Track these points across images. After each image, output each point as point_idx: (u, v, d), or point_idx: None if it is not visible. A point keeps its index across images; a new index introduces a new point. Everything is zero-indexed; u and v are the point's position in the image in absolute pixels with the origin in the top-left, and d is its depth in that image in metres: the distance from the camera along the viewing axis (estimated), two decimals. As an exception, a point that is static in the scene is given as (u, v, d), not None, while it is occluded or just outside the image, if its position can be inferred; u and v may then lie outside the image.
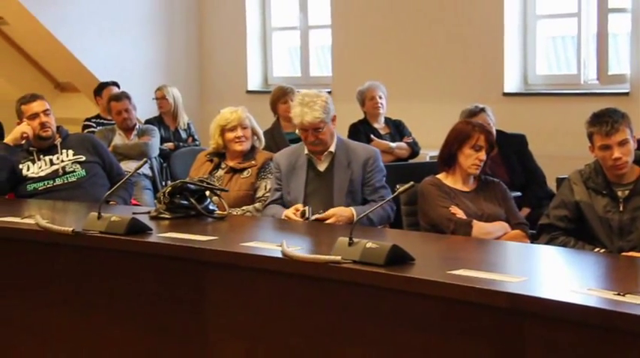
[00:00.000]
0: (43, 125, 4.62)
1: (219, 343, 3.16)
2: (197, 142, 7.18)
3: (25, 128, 4.59)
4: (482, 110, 5.07)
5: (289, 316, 2.99)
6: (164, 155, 6.63)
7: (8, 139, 4.62)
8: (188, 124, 7.20)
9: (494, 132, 4.69)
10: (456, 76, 6.96)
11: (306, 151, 4.17)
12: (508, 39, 6.69)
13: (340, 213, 3.93)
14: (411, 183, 3.12)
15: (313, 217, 3.93)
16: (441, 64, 7.07)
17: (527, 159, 5.28)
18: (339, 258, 2.84)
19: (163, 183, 6.57)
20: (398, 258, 2.79)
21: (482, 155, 3.86)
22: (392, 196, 3.05)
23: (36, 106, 4.65)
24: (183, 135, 7.13)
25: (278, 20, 8.44)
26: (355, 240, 2.87)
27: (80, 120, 7.18)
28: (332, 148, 4.14)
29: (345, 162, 4.12)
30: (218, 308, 3.15)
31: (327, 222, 3.89)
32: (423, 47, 7.19)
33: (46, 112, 4.65)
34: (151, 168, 6.39)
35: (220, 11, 8.55)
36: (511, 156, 5.19)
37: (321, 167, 4.16)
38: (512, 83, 6.75)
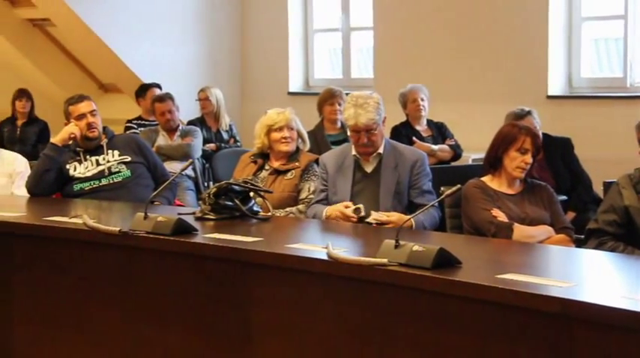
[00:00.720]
0: (89, 125, 4.67)
1: (264, 343, 3.16)
2: (239, 143, 7.22)
3: (73, 129, 4.65)
4: (529, 113, 5.04)
5: (334, 318, 2.99)
6: (206, 156, 6.68)
7: (56, 140, 4.67)
8: (230, 125, 7.25)
9: (541, 135, 4.66)
10: (499, 79, 6.92)
11: (353, 152, 4.16)
12: (552, 41, 6.63)
13: (401, 219, 3.82)
14: (458, 186, 3.11)
15: (372, 219, 3.89)
16: (484, 66, 7.03)
17: (573, 163, 5.24)
18: (385, 260, 2.83)
19: (205, 184, 6.63)
20: (445, 261, 2.77)
21: (528, 158, 3.84)
22: (439, 199, 3.04)
23: (83, 107, 4.70)
24: (225, 136, 7.18)
25: (320, 22, 8.46)
26: (401, 242, 2.86)
27: (123, 121, 7.26)
28: (380, 149, 4.13)
29: (392, 164, 4.11)
30: (263, 309, 3.16)
31: (386, 226, 3.85)
32: (465, 49, 7.15)
33: (92, 113, 4.71)
34: (194, 169, 6.44)
35: (263, 13, 8.59)
36: (557, 159, 5.14)
37: (369, 168, 4.15)
38: (556, 86, 6.69)
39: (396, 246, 2.86)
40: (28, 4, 8.33)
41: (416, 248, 2.82)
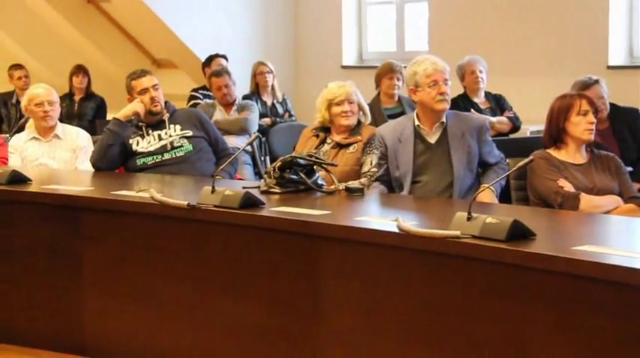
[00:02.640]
0: (152, 100, 4.71)
1: (333, 316, 3.17)
2: (294, 117, 7.23)
3: (138, 107, 4.69)
4: (597, 82, 4.96)
5: (405, 291, 2.98)
6: (262, 130, 6.69)
7: (120, 115, 4.71)
8: (284, 99, 7.26)
9: (608, 105, 4.59)
10: (557, 49, 6.81)
11: (416, 122, 4.09)
12: (613, 10, 6.51)
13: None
14: (531, 157, 3.07)
15: None
16: (542, 37, 6.92)
17: (640, 134, 5.16)
18: (458, 232, 2.81)
19: (262, 159, 6.65)
20: (519, 233, 2.74)
21: (591, 117, 3.82)
22: (513, 169, 3.00)
23: (146, 81, 4.74)
24: (280, 109, 7.20)
25: (373, -6, 8.40)
26: (474, 215, 2.84)
27: (178, 96, 7.30)
28: (443, 118, 4.07)
29: (459, 133, 4.04)
30: (332, 281, 3.17)
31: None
32: (522, 20, 7.05)
33: (155, 87, 4.74)
34: (251, 143, 6.44)
35: (315, -14, 8.55)
36: (623, 130, 5.06)
37: (432, 139, 4.07)
38: (616, 56, 6.56)
39: (469, 219, 2.83)
40: (84, -20, 8.41)
41: (489, 220, 2.79)
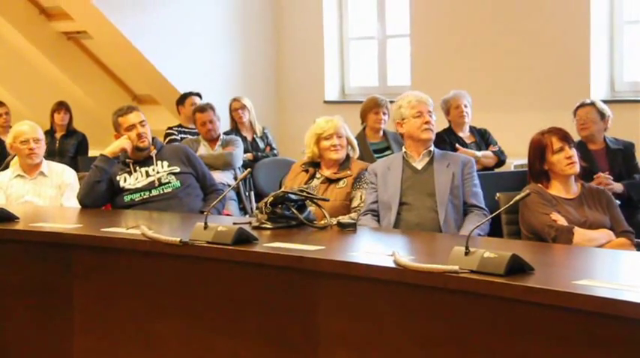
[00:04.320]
0: (140, 136, 4.69)
1: (330, 352, 3.14)
2: (275, 151, 7.21)
3: (125, 143, 4.66)
4: (592, 104, 5.20)
5: (403, 326, 2.97)
6: (244, 166, 6.67)
7: (107, 151, 4.69)
8: (264, 133, 7.24)
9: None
10: (539, 84, 6.88)
11: (404, 150, 4.32)
12: (594, 45, 6.59)
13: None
14: (527, 191, 3.09)
15: None
16: (524, 71, 6.99)
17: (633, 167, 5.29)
18: (456, 267, 2.80)
19: (247, 194, 6.62)
20: (517, 267, 2.74)
21: (568, 152, 3.87)
22: (510, 204, 3.01)
23: (132, 118, 4.72)
24: (261, 144, 7.18)
25: (355, 30, 8.45)
26: (471, 249, 2.84)
27: (158, 132, 7.27)
28: (432, 147, 4.27)
29: (444, 163, 4.23)
30: (329, 318, 3.14)
31: None
32: (504, 55, 7.12)
33: (142, 123, 4.73)
34: (235, 178, 6.43)
35: (297, 21, 8.60)
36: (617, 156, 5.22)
37: (419, 165, 4.27)
38: (599, 90, 6.64)
39: (466, 253, 2.83)
40: (66, 17, 8.38)
41: (487, 254, 2.79)
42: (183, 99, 7.45)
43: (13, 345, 3.96)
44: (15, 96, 9.08)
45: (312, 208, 3.98)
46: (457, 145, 5.98)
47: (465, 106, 6.12)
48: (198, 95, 7.44)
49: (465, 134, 6.15)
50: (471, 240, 2.90)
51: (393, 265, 2.96)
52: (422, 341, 2.91)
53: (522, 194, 3.04)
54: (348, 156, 4.57)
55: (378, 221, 4.21)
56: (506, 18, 7.10)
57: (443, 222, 4.10)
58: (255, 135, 7.17)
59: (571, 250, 3.46)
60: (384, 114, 6.06)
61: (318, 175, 4.55)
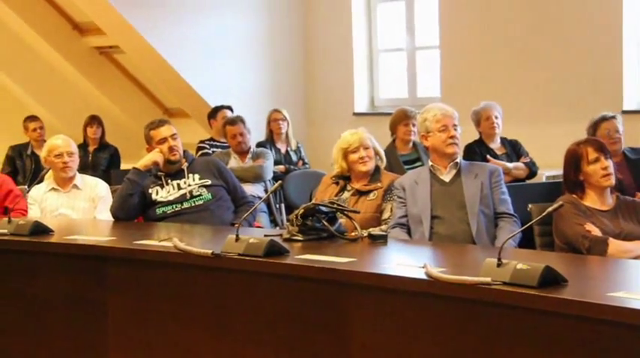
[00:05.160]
0: (171, 149, 4.73)
1: (361, 365, 3.14)
2: (307, 165, 7.25)
3: (158, 157, 4.71)
4: (613, 117, 5.11)
5: (435, 339, 2.96)
6: (276, 178, 6.70)
7: (139, 164, 4.73)
8: (298, 147, 7.30)
9: (622, 140, 4.74)
10: (572, 94, 6.84)
11: (430, 163, 4.30)
12: (626, 56, 6.53)
13: None
14: (561, 202, 3.07)
15: None
16: (556, 82, 6.96)
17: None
18: (488, 279, 2.79)
19: (277, 206, 6.65)
20: (551, 279, 2.72)
21: (604, 163, 3.83)
22: (543, 215, 2.98)
23: (164, 131, 4.77)
24: (294, 157, 7.22)
25: (385, 42, 8.46)
26: (504, 261, 2.82)
27: (189, 145, 7.32)
28: (458, 159, 4.25)
29: (472, 174, 4.22)
30: (360, 330, 3.14)
31: None
32: (535, 66, 7.09)
33: (173, 136, 4.77)
34: (266, 190, 6.46)
35: (327, 33, 8.62)
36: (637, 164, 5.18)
37: (446, 178, 4.26)
38: (631, 100, 6.58)
39: (499, 265, 2.82)
40: (98, 32, 8.49)
41: (520, 266, 2.78)
42: (214, 112, 7.51)
43: (47, 356, 4.00)
44: (49, 111, 9.19)
45: (342, 220, 3.99)
46: (488, 157, 5.95)
47: (496, 117, 6.08)
48: (230, 108, 7.49)
49: (495, 145, 6.12)
50: (503, 251, 2.89)
51: (424, 277, 2.95)
52: (453, 354, 2.90)
53: (556, 205, 3.02)
54: (377, 168, 4.57)
55: (408, 234, 4.20)
56: (537, 28, 7.07)
57: (475, 233, 4.09)
58: (289, 148, 7.21)
59: (606, 262, 3.42)
60: (414, 125, 6.05)
61: (348, 187, 4.55)
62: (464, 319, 2.89)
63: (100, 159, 7.92)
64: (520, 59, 7.16)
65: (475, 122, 6.15)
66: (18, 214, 4.95)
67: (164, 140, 4.74)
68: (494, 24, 7.35)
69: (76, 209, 5.06)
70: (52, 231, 4.15)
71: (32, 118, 8.14)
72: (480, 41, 7.46)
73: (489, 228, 4.15)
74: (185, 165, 4.81)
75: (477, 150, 5.99)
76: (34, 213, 5.03)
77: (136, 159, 4.90)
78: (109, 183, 5.58)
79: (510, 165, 5.96)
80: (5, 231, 4.09)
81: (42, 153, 5.27)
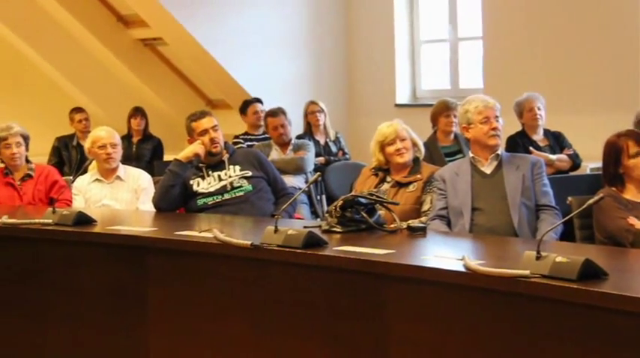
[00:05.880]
0: (212, 141, 4.76)
1: (399, 356, 3.14)
2: (347, 156, 7.25)
3: (199, 148, 4.74)
4: None
5: (473, 331, 2.95)
6: (316, 169, 6.71)
7: (180, 156, 4.77)
8: (337, 137, 7.30)
9: None
10: (617, 85, 6.73)
11: (470, 155, 4.26)
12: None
13: None
14: (601, 195, 3.04)
15: None
16: (601, 72, 6.85)
17: None
18: (527, 272, 2.77)
19: (318, 198, 6.66)
20: (591, 272, 2.70)
21: None
22: (582, 208, 2.96)
23: (205, 122, 4.80)
24: (334, 148, 7.22)
25: (427, 33, 8.42)
26: (543, 253, 2.80)
27: (232, 136, 7.38)
28: (499, 151, 4.22)
29: (514, 166, 4.19)
30: (397, 322, 3.14)
31: None
32: (579, 56, 6.99)
33: (214, 128, 4.80)
34: (307, 182, 6.47)
35: (368, 25, 8.60)
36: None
37: (487, 169, 4.24)
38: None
39: (538, 258, 2.80)
40: (142, 24, 8.57)
41: (559, 259, 2.75)
42: (245, 106, 7.53)
43: (90, 347, 4.06)
44: (94, 102, 9.31)
45: (382, 212, 3.99)
46: (531, 148, 5.90)
47: (539, 109, 6.03)
48: (259, 101, 7.50)
49: (538, 137, 6.06)
50: (543, 244, 2.87)
51: (462, 269, 2.95)
52: (491, 347, 2.89)
53: (595, 198, 2.98)
54: (417, 160, 4.55)
55: (448, 226, 4.19)
56: (580, 18, 6.98)
57: (517, 225, 4.06)
58: (328, 139, 7.22)
59: (646, 255, 3.38)
60: (455, 117, 6.02)
61: (388, 179, 4.54)
62: (502, 312, 2.87)
63: (143, 151, 8.00)
64: (563, 49, 7.07)
65: (518, 113, 6.10)
66: (63, 205, 5.04)
67: (205, 132, 4.78)
68: (537, 14, 7.27)
69: (119, 200, 5.13)
70: (95, 221, 4.20)
71: (78, 110, 8.25)
72: (523, 32, 7.38)
73: (531, 220, 4.12)
74: (226, 157, 4.84)
75: (520, 142, 5.94)
76: (78, 204, 5.10)
77: (179, 151, 4.94)
78: (152, 174, 5.64)
79: (553, 156, 5.90)
80: (50, 221, 4.16)
81: (86, 145, 5.35)
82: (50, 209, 4.26)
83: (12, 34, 9.00)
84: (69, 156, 8.02)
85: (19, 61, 9.34)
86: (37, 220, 4.20)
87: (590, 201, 2.97)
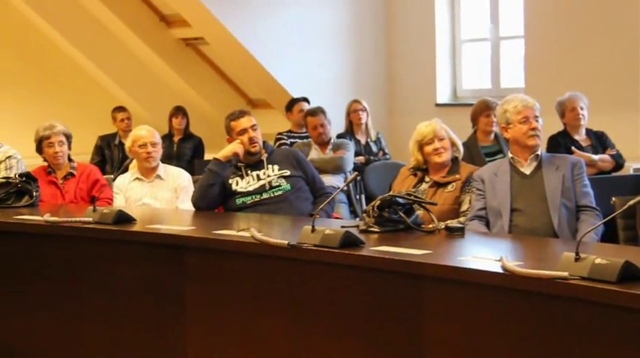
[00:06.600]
0: (251, 140, 4.78)
1: (436, 357, 3.12)
2: (388, 156, 7.23)
3: (238, 148, 4.76)
4: None
5: (510, 333, 2.92)
6: (356, 169, 6.71)
7: (219, 155, 4.79)
8: (378, 137, 7.28)
9: None
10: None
11: (510, 155, 4.22)
12: None
13: None
14: (643, 196, 2.98)
15: None
16: (644, 71, 6.75)
17: None
18: (566, 273, 2.74)
19: (357, 197, 6.65)
20: (631, 274, 2.65)
21: None
22: (624, 208, 2.91)
23: (244, 122, 4.81)
24: (374, 148, 7.21)
25: (468, 32, 8.36)
26: (582, 255, 2.77)
27: (272, 135, 7.41)
28: (539, 151, 4.19)
29: (553, 166, 4.14)
30: (434, 323, 3.12)
31: None
32: (622, 55, 6.89)
33: (253, 127, 4.81)
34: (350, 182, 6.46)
35: (409, 24, 8.57)
36: None
37: (527, 170, 4.19)
38: None
39: (577, 259, 2.77)
40: (184, 24, 8.64)
41: (598, 261, 2.72)
42: (291, 105, 7.56)
43: (128, 344, 4.10)
44: (136, 101, 9.41)
45: (420, 212, 3.96)
46: (573, 148, 5.83)
47: (581, 108, 5.95)
48: (306, 100, 7.53)
49: (580, 137, 5.98)
50: (582, 245, 2.83)
51: (500, 270, 2.92)
52: (528, 349, 2.86)
53: (638, 198, 2.93)
54: (456, 160, 4.52)
55: (487, 226, 4.15)
56: (623, 17, 6.87)
57: (557, 227, 4.02)
58: (369, 139, 7.21)
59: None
60: (495, 116, 5.96)
61: (426, 179, 4.52)
62: (540, 314, 2.84)
63: (184, 150, 8.06)
64: (606, 49, 6.97)
65: (560, 113, 6.03)
66: (104, 203, 5.09)
67: (244, 131, 4.79)
68: (579, 13, 7.17)
69: (158, 198, 5.17)
70: (135, 220, 4.24)
71: (120, 109, 8.34)
72: (565, 31, 7.29)
73: (571, 221, 4.08)
74: (265, 156, 4.85)
75: (561, 142, 5.87)
76: (118, 202, 5.16)
77: (219, 150, 4.96)
78: (193, 174, 5.68)
79: (596, 157, 5.82)
80: (90, 219, 4.20)
81: (126, 144, 5.40)
82: (91, 207, 4.30)
83: (56, 34, 9.14)
84: (111, 155, 8.12)
85: (64, 61, 9.48)
86: (77, 218, 4.25)
87: (633, 201, 2.93)
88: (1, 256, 4.41)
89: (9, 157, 5.44)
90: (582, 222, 4.04)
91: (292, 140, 7.21)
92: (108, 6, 8.72)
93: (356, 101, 7.24)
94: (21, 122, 8.37)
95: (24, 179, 4.94)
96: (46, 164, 5.43)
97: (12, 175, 5.06)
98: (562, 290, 2.72)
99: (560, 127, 6.03)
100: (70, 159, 5.43)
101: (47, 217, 4.29)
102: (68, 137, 5.41)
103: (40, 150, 5.40)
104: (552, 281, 2.74)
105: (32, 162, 5.68)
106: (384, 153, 7.23)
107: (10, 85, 9.16)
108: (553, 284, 2.74)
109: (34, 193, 4.93)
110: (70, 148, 5.42)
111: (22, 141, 6.08)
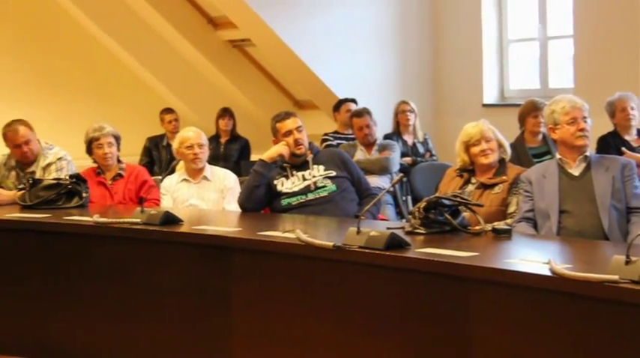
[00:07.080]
0: (296, 142, 4.79)
1: (483, 361, 3.10)
2: (435, 157, 7.20)
3: (283, 150, 4.77)
4: None
5: (558, 337, 2.88)
6: (403, 170, 6.69)
7: (265, 157, 4.81)
8: (425, 138, 7.26)
9: None
10: None
11: (558, 156, 4.18)
12: None
13: None
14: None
15: None
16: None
17: None
18: (616, 277, 2.70)
19: (404, 198, 6.63)
20: (684, 279, 2.61)
21: None
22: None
23: (290, 123, 4.82)
24: (421, 149, 7.19)
25: (515, 32, 8.28)
26: (633, 258, 2.72)
27: (318, 136, 7.41)
28: (587, 152, 4.13)
29: (603, 168, 4.08)
30: (481, 325, 3.09)
31: None
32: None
33: (299, 129, 4.82)
34: (396, 183, 6.44)
35: (456, 24, 8.51)
36: None
37: (576, 171, 4.13)
38: None
39: (627, 262, 2.72)
40: (231, 26, 8.69)
41: (649, 264, 2.67)
42: (338, 105, 7.57)
43: (174, 345, 4.12)
44: (184, 103, 9.49)
45: (466, 214, 3.93)
46: (623, 149, 5.73)
47: (632, 108, 5.84)
48: (354, 101, 7.53)
49: (631, 137, 5.88)
50: (633, 248, 2.78)
51: (548, 273, 2.89)
52: (576, 353, 2.83)
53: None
54: (503, 161, 4.48)
55: (534, 228, 4.10)
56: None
57: (608, 229, 3.96)
58: (416, 141, 7.19)
59: None
60: (543, 117, 5.89)
61: (473, 180, 4.48)
62: (588, 318, 2.80)
63: (231, 151, 8.11)
64: (658, 47, 6.85)
65: (610, 113, 5.93)
66: (151, 204, 5.14)
67: (289, 133, 4.81)
68: (629, 12, 7.05)
69: (205, 199, 5.21)
70: (182, 221, 4.27)
71: (168, 110, 8.42)
72: (615, 30, 7.17)
73: (622, 223, 4.01)
74: (310, 157, 4.86)
75: (611, 143, 5.78)
76: (166, 203, 5.21)
77: (266, 151, 4.97)
78: (240, 175, 5.71)
79: (647, 158, 5.71)
80: (138, 220, 4.24)
81: (174, 145, 5.44)
82: (138, 208, 4.35)
83: (106, 37, 9.26)
84: (159, 156, 8.20)
85: (113, 64, 9.60)
86: (126, 219, 4.30)
87: (683, 205, 2.87)
88: (51, 256, 4.48)
89: (60, 159, 5.53)
90: (633, 224, 3.97)
91: (338, 141, 7.21)
92: (156, 9, 8.81)
93: (404, 102, 7.24)
94: (71, 124, 8.49)
95: (74, 180, 5.01)
96: (95, 165, 5.50)
97: (62, 176, 5.13)
98: (612, 294, 2.69)
99: (610, 128, 5.94)
100: (118, 161, 5.49)
101: (96, 218, 4.35)
102: (117, 138, 5.48)
103: (89, 151, 5.47)
104: (602, 284, 2.71)
105: (82, 163, 5.76)
106: (432, 155, 7.21)
107: (60, 87, 9.30)
108: (602, 287, 2.71)
109: (84, 194, 5.00)
110: (118, 149, 5.48)
111: (73, 143, 6.18)
